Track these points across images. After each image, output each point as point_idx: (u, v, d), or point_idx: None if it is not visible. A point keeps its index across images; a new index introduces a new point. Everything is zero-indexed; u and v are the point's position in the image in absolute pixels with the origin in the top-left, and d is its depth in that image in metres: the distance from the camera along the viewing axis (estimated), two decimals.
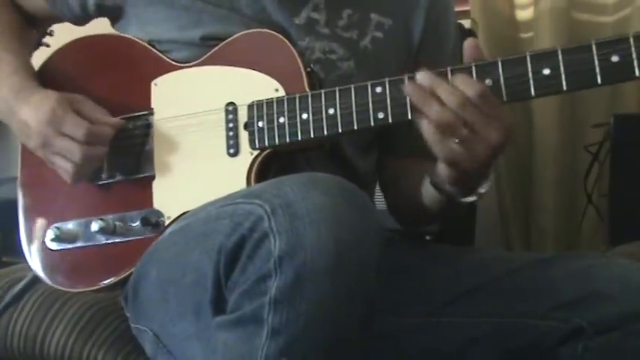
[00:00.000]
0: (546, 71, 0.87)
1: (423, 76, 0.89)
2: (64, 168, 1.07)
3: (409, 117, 0.93)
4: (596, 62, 0.84)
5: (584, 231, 2.00)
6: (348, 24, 1.11)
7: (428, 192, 1.04)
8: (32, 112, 1.07)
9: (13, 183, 1.22)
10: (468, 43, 0.91)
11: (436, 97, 0.87)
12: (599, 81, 0.85)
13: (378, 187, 1.26)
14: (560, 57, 0.86)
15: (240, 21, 1.08)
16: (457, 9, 2.14)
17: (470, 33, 1.91)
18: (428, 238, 1.61)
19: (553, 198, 2.06)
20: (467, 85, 0.87)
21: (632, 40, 0.84)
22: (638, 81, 1.96)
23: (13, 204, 1.19)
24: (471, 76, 0.89)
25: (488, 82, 0.89)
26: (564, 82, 0.86)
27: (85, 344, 1.14)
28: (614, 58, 0.84)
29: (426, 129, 0.88)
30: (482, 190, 0.98)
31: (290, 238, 0.74)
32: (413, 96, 0.90)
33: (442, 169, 0.93)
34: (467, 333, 0.99)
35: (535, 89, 0.87)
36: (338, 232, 0.75)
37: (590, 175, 1.88)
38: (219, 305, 0.82)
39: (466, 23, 1.95)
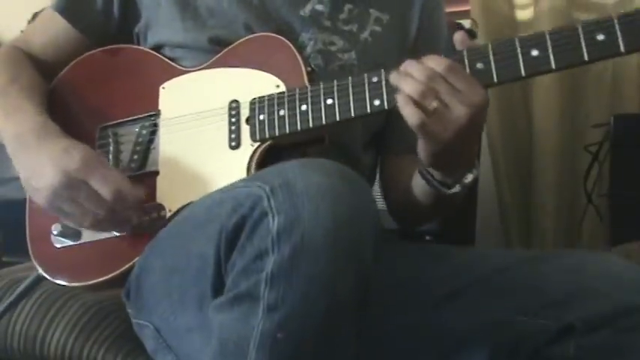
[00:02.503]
0: (535, 52, 0.90)
1: (404, 63, 0.95)
2: (79, 214, 1.02)
3: None
4: (583, 42, 0.88)
5: (584, 231, 2.00)
6: (349, 18, 1.16)
7: (418, 185, 1.07)
8: (60, 153, 1.02)
9: (13, 183, 1.22)
10: (459, 35, 0.95)
11: (410, 75, 0.93)
12: (586, 58, 0.88)
13: (377, 188, 1.27)
14: (547, 38, 0.90)
15: (248, 18, 1.12)
16: (457, 9, 2.16)
17: (470, 33, 1.90)
18: (428, 238, 1.61)
19: (553, 198, 2.06)
20: (436, 62, 0.92)
21: (615, 20, 0.87)
22: (638, 81, 1.97)
23: (13, 204, 1.19)
24: (464, 62, 0.93)
25: (479, 65, 0.92)
26: (553, 61, 0.89)
27: (85, 344, 1.14)
28: (600, 37, 0.87)
29: (401, 101, 0.92)
30: (466, 181, 1.00)
31: (288, 215, 0.75)
32: (393, 78, 0.95)
33: (420, 144, 0.96)
34: (457, 333, 0.99)
35: (525, 69, 0.91)
36: (335, 209, 0.76)
37: (590, 175, 1.88)
38: (219, 291, 0.82)
39: (466, 23, 1.95)
